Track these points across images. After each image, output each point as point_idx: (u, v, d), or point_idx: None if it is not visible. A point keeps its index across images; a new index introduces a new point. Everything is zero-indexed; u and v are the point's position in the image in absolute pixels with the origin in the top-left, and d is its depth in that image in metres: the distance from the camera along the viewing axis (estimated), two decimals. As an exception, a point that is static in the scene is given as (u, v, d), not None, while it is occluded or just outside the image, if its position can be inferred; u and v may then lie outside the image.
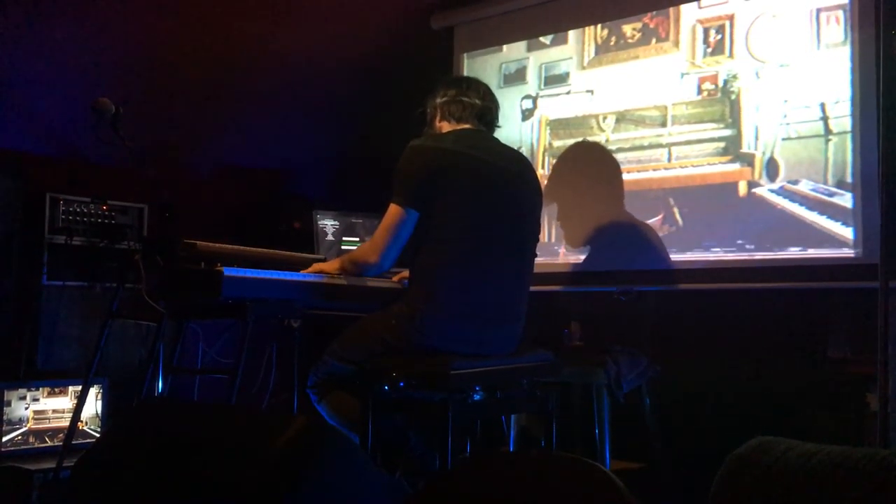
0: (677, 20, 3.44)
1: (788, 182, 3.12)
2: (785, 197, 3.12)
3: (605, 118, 3.60)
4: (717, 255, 3.24)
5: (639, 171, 3.48)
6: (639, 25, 3.54)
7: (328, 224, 3.78)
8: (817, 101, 3.07)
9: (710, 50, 3.35)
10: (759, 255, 3.14)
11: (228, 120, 4.05)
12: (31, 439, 3.19)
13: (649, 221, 3.42)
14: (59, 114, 3.56)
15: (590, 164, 3.66)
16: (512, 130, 3.79)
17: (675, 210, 3.37)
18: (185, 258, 2.55)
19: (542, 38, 3.83)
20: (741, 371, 3.27)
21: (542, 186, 2.85)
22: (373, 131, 4.20)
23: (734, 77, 3.27)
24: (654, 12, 3.50)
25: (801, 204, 3.08)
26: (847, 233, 2.98)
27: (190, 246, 2.57)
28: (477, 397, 2.50)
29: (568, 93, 3.72)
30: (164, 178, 2.81)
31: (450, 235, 2.48)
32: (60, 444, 3.04)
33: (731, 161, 3.26)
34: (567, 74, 3.74)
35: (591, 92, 3.65)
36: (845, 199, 2.99)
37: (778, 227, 3.11)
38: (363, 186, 4.14)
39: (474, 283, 2.49)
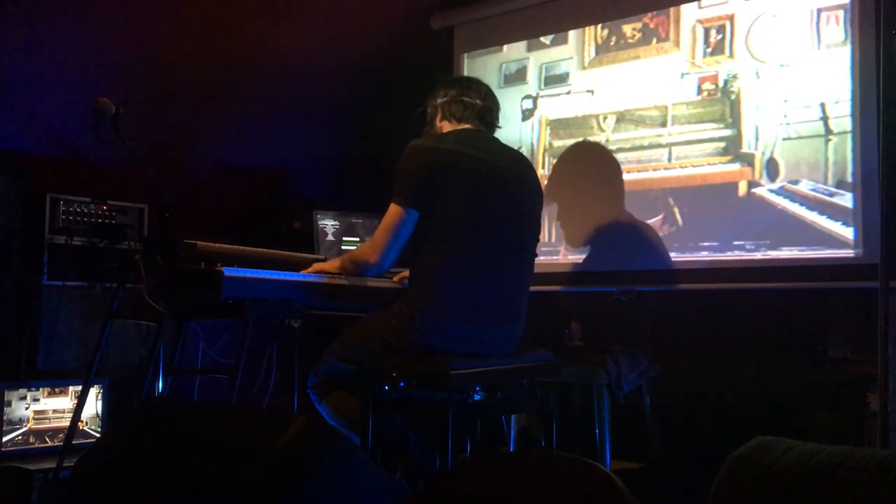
0: (677, 20, 3.44)
1: (788, 182, 3.12)
2: (785, 197, 3.12)
3: (605, 118, 3.60)
4: (717, 255, 3.24)
5: (639, 171, 3.48)
6: (639, 25, 3.54)
7: (328, 224, 3.78)
8: (817, 101, 3.07)
9: (710, 50, 3.35)
10: (759, 255, 3.14)
11: (228, 120, 4.05)
12: (32, 439, 3.19)
13: (649, 221, 3.42)
14: (59, 114, 3.56)
15: (590, 164, 3.66)
16: (512, 130, 3.79)
17: (676, 210, 3.37)
18: (186, 258, 2.55)
19: (542, 38, 3.83)
20: (741, 371, 3.27)
21: (543, 186, 2.85)
22: (373, 131, 4.20)
23: (734, 77, 3.27)
24: (655, 12, 3.50)
25: (802, 204, 3.08)
26: (847, 233, 2.98)
27: (190, 246, 2.57)
28: (477, 397, 2.50)
29: (568, 93, 3.72)
30: (164, 178, 2.80)
31: (450, 235, 2.48)
32: (61, 444, 3.04)
33: (732, 161, 3.26)
34: (567, 74, 3.73)
35: (592, 92, 3.65)
36: (845, 199, 2.99)
37: (778, 227, 3.11)
38: (363, 186, 4.14)
39: (474, 283, 2.49)
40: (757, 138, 3.20)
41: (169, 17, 3.50)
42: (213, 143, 4.11)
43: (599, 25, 3.65)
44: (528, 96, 3.85)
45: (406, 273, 2.70)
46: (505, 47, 3.95)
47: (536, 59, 3.84)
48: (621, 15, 3.59)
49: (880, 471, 1.09)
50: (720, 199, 3.26)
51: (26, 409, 3.18)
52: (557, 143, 3.74)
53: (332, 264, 2.72)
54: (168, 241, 2.63)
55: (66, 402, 3.28)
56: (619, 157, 3.53)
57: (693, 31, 3.39)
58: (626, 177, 3.50)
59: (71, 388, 3.30)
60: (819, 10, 3.10)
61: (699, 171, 3.33)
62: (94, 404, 3.33)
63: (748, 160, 3.21)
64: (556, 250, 3.67)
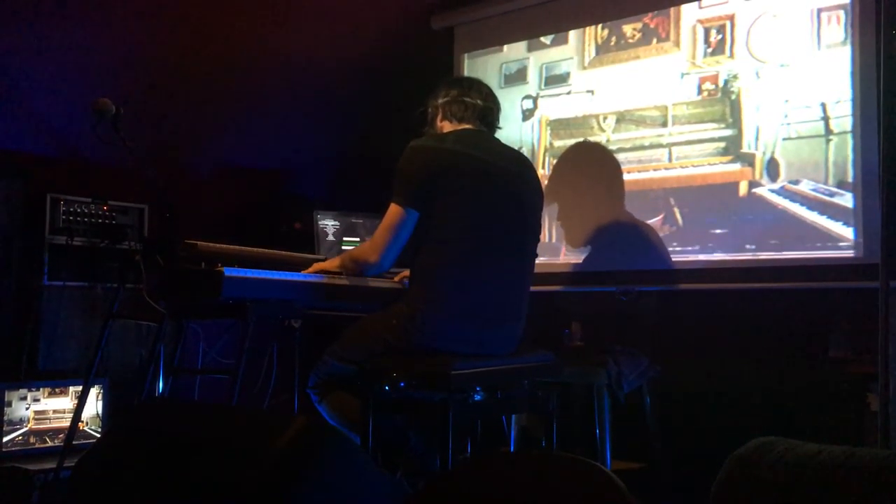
0: (678, 20, 3.44)
1: (789, 182, 3.12)
2: (785, 197, 3.12)
3: (605, 118, 3.60)
4: (717, 255, 3.24)
5: (639, 171, 3.48)
6: (639, 25, 3.54)
7: (328, 224, 3.78)
8: (818, 101, 3.07)
9: (710, 50, 3.35)
10: (760, 255, 3.14)
11: (228, 120, 4.05)
12: (32, 439, 3.19)
13: (650, 221, 3.42)
14: (59, 114, 3.56)
15: (590, 164, 3.66)
16: (512, 130, 3.79)
17: (676, 210, 3.37)
18: (186, 258, 2.55)
19: (542, 39, 3.83)
20: (741, 371, 3.27)
21: (543, 187, 2.85)
22: (373, 131, 4.20)
23: (735, 77, 3.27)
24: (655, 12, 3.50)
25: (802, 204, 3.08)
26: (847, 233, 2.98)
27: (190, 246, 2.57)
28: (477, 397, 2.50)
29: (568, 93, 3.72)
30: (164, 178, 2.80)
31: (450, 235, 2.48)
32: (61, 444, 3.04)
33: (732, 161, 3.26)
34: (568, 74, 3.74)
35: (592, 92, 3.65)
36: (846, 199, 2.99)
37: (778, 227, 3.11)
38: (363, 186, 4.14)
39: (475, 283, 2.49)
40: (757, 138, 3.20)
41: (169, 17, 3.50)
42: (213, 143, 4.11)
43: (600, 25, 3.65)
44: (528, 96, 3.85)
45: (407, 273, 2.70)
46: (505, 47, 3.95)
47: (537, 59, 3.84)
48: (621, 15, 3.59)
49: (880, 471, 1.09)
50: (721, 200, 3.26)
51: (27, 409, 3.18)
52: (558, 144, 3.74)
53: (333, 263, 2.72)
54: (168, 241, 2.63)
55: (66, 403, 3.28)
56: (620, 157, 3.53)
57: (693, 31, 3.39)
58: (626, 177, 3.50)
59: (71, 389, 3.30)
60: (819, 11, 3.10)
61: (699, 171, 3.33)
62: (94, 404, 3.32)
63: (748, 160, 3.21)
64: (557, 250, 3.67)
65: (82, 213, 3.43)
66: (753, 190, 3.19)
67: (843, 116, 3.01)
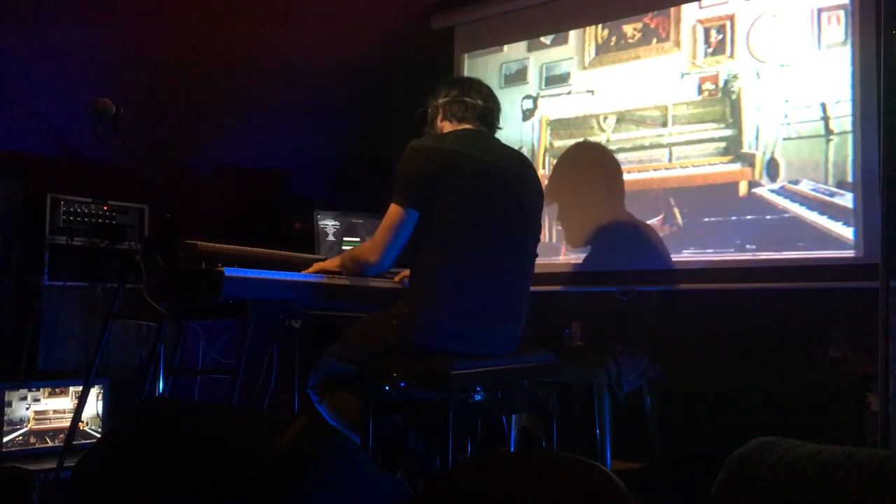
0: (678, 20, 3.44)
1: (789, 182, 3.12)
2: (785, 197, 3.12)
3: (605, 118, 3.60)
4: (717, 255, 3.24)
5: (639, 171, 3.48)
6: (639, 25, 3.54)
7: (329, 224, 3.78)
8: (818, 102, 3.07)
9: (710, 50, 3.35)
10: (760, 255, 3.14)
11: (228, 120, 4.05)
12: (32, 440, 3.19)
13: (650, 221, 3.42)
14: (59, 114, 3.56)
15: (590, 164, 3.66)
16: (513, 130, 3.79)
17: (676, 210, 3.37)
18: (186, 258, 2.55)
19: (542, 39, 3.83)
20: (741, 371, 3.27)
21: (543, 187, 2.85)
22: (373, 131, 4.20)
23: (735, 77, 3.27)
24: (655, 12, 3.50)
25: (802, 204, 3.08)
26: (847, 233, 2.98)
27: (190, 246, 2.57)
28: (478, 397, 2.50)
29: (569, 93, 3.72)
30: (164, 178, 2.80)
31: (450, 235, 2.48)
32: (61, 444, 3.04)
33: (732, 161, 3.26)
34: (568, 74, 3.74)
35: (592, 92, 3.65)
36: (846, 200, 2.99)
37: (778, 227, 3.11)
38: (363, 186, 4.14)
39: (474, 283, 2.49)
40: (757, 138, 3.20)
41: (169, 17, 3.50)
42: (213, 143, 4.11)
43: (600, 25, 3.65)
44: (528, 96, 3.85)
45: (407, 273, 2.70)
46: (505, 47, 3.95)
47: (537, 59, 3.84)
48: (621, 15, 3.59)
49: (880, 471, 1.09)
50: (721, 200, 3.26)
51: (27, 409, 3.18)
52: (558, 144, 3.74)
53: (333, 262, 2.73)
54: (168, 241, 2.63)
55: (66, 403, 3.28)
56: (620, 157, 3.53)
57: (693, 31, 3.39)
58: (626, 177, 3.50)
59: (71, 389, 3.30)
60: (819, 10, 3.10)
61: (700, 171, 3.33)
62: (94, 405, 3.32)
63: (749, 160, 3.21)
64: (557, 250, 3.67)
65: (82, 213, 3.43)
66: (753, 190, 3.19)
67: (843, 116, 3.01)
